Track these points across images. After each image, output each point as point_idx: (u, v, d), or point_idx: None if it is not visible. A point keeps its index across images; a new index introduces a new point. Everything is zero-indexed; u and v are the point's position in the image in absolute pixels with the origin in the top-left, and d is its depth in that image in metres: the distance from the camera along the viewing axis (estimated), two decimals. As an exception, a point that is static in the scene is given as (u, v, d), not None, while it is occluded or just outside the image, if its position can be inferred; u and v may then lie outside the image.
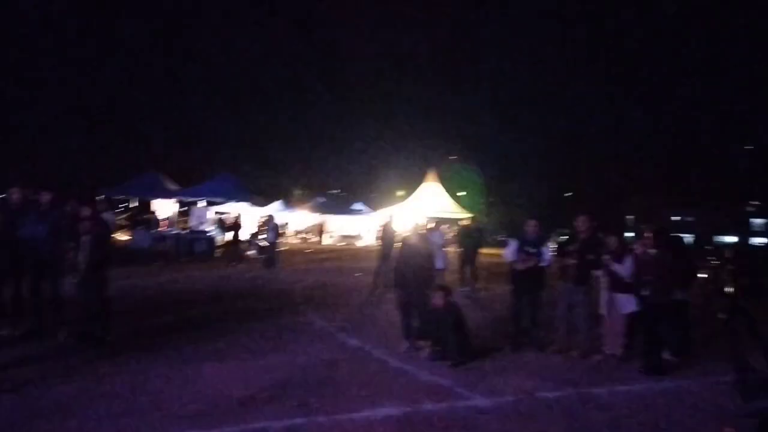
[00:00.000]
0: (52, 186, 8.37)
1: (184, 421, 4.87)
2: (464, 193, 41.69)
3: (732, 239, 70.53)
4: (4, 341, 7.09)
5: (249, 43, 78.42)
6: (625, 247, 7.76)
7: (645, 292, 7.18)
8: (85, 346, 7.11)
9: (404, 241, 8.27)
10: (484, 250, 16.01)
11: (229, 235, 21.71)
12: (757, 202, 78.28)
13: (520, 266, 7.92)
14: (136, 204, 30.38)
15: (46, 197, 7.85)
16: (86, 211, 7.70)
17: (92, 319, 7.44)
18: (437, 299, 7.31)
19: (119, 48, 66.89)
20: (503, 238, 41.87)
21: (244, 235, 20.94)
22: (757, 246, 50.69)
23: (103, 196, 24.65)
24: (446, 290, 7.57)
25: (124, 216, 29.45)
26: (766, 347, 2.60)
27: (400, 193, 39.06)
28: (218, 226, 25.92)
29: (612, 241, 7.65)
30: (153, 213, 28.39)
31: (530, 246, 7.98)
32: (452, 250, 15.16)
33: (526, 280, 7.95)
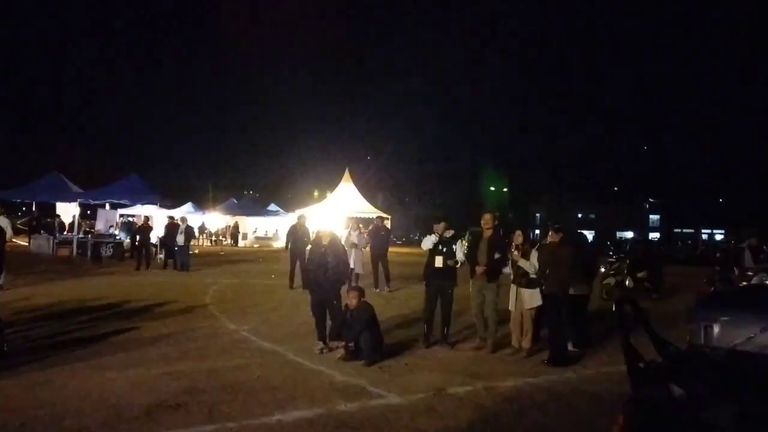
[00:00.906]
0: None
1: (103, 429, 4.66)
2: (381, 192, 42.04)
3: (630, 234, 74.79)
4: None
5: (159, 40, 75.75)
6: (530, 243, 8.05)
7: (549, 287, 7.50)
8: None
9: (316, 241, 8.25)
10: (401, 250, 16.22)
11: (137, 239, 20.88)
12: (652, 200, 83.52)
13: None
14: (37, 208, 28.71)
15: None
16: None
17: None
18: (351, 299, 7.34)
19: (19, 45, 63.04)
20: (418, 237, 42.55)
21: (153, 238, 20.18)
22: (653, 240, 53.95)
23: (-1, 200, 23.10)
24: (360, 290, 7.62)
25: (24, 220, 27.75)
26: (653, 335, 2.78)
27: (316, 193, 38.90)
28: (125, 230, 24.90)
29: (517, 237, 7.91)
30: (57, 216, 26.94)
31: (443, 245, 8.14)
32: (366, 250, 15.23)
33: (438, 278, 8.11)
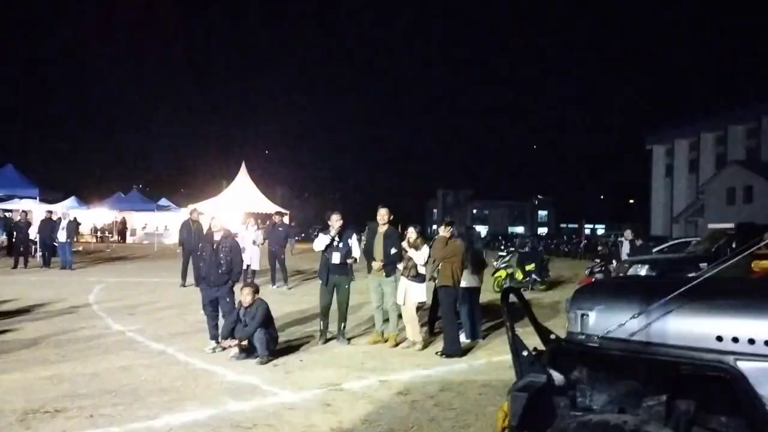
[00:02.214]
0: None
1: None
2: (280, 187, 41.42)
3: (520, 230, 78.40)
4: None
5: (36, 21, 70.55)
6: (423, 237, 8.18)
7: (442, 281, 7.68)
8: None
9: (208, 236, 8.00)
10: (301, 246, 16.09)
11: (14, 236, 19.42)
12: (540, 196, 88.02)
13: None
14: None
15: None
16: None
17: None
18: (245, 296, 7.16)
19: None
20: (315, 232, 42.39)
21: (32, 234, 18.75)
22: (540, 235, 56.67)
23: None
24: (254, 287, 7.45)
25: None
26: (536, 324, 2.89)
27: (212, 188, 37.75)
28: (0, 226, 23.15)
29: (411, 233, 8.02)
30: None
31: (340, 240, 8.11)
32: (263, 246, 14.97)
33: (335, 274, 8.08)
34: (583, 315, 2.81)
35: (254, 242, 14.30)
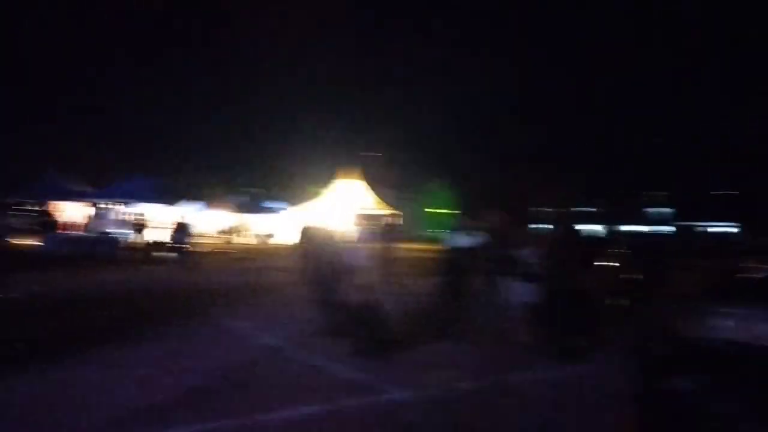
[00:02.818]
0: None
1: (108, 429, 4.71)
2: (387, 188, 41.78)
3: (630, 228, 74.44)
4: None
5: (161, 39, 75.41)
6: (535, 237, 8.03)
7: (551, 280, 7.52)
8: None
9: (321, 237, 8.25)
10: (408, 245, 16.21)
11: (138, 236, 21.08)
12: (652, 192, 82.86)
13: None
14: (39, 207, 28.92)
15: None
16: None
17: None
18: (357, 295, 7.33)
19: (24, 43, 62.75)
20: (431, 232, 42.48)
21: (153, 235, 20.31)
22: (650, 233, 53.47)
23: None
24: (367, 286, 7.60)
25: (28, 220, 27.92)
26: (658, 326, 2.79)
27: (316, 189, 38.78)
28: (128, 227, 25.08)
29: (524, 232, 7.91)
30: (51, 215, 27.13)
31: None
32: (372, 245, 15.21)
33: (451, 271, 8.09)
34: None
35: (364, 242, 14.59)
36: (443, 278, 8.20)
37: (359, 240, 14.45)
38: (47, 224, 25.01)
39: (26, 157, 40.50)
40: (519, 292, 7.81)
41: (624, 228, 70.71)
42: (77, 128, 51.65)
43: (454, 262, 8.12)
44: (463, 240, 8.26)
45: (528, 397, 5.79)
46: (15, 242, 22.74)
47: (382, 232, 15.29)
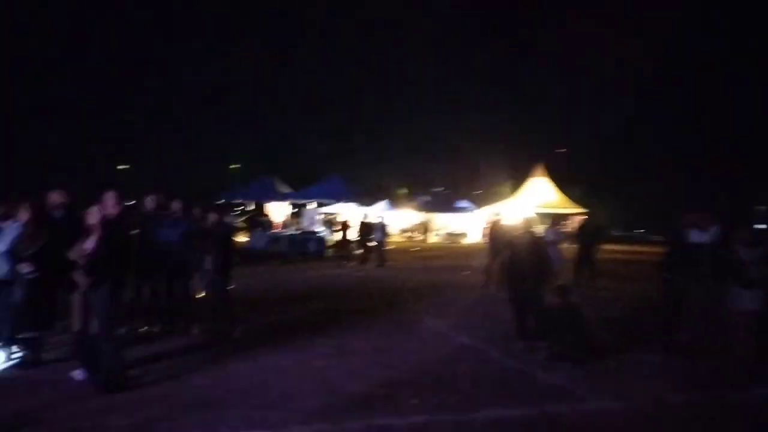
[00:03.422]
0: (181, 194, 8.96)
1: (313, 416, 5.08)
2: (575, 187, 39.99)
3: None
4: (142, 338, 7.66)
5: (337, 47, 79.08)
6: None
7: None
8: (214, 342, 7.57)
9: (517, 238, 8.11)
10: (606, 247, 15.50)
11: (338, 235, 22.43)
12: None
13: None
14: (252, 207, 31.98)
15: (177, 205, 8.41)
16: (213, 217, 8.20)
17: (220, 317, 7.94)
18: (554, 298, 7.14)
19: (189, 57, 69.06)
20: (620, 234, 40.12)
21: (352, 234, 21.53)
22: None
23: (223, 201, 26.08)
24: (564, 289, 7.38)
25: (242, 219, 30.94)
26: None
27: (505, 189, 38.29)
28: (327, 226, 26.73)
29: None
30: (266, 215, 29.66)
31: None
32: (567, 246, 14.73)
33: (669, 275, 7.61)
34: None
35: (557, 243, 14.14)
36: (660, 282, 7.67)
37: (551, 240, 14.03)
38: (264, 223, 27.47)
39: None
40: (740, 298, 7.05)
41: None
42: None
43: (672, 265, 7.55)
44: (685, 240, 7.66)
45: (745, 418, 5.22)
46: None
47: (580, 231, 14.74)
